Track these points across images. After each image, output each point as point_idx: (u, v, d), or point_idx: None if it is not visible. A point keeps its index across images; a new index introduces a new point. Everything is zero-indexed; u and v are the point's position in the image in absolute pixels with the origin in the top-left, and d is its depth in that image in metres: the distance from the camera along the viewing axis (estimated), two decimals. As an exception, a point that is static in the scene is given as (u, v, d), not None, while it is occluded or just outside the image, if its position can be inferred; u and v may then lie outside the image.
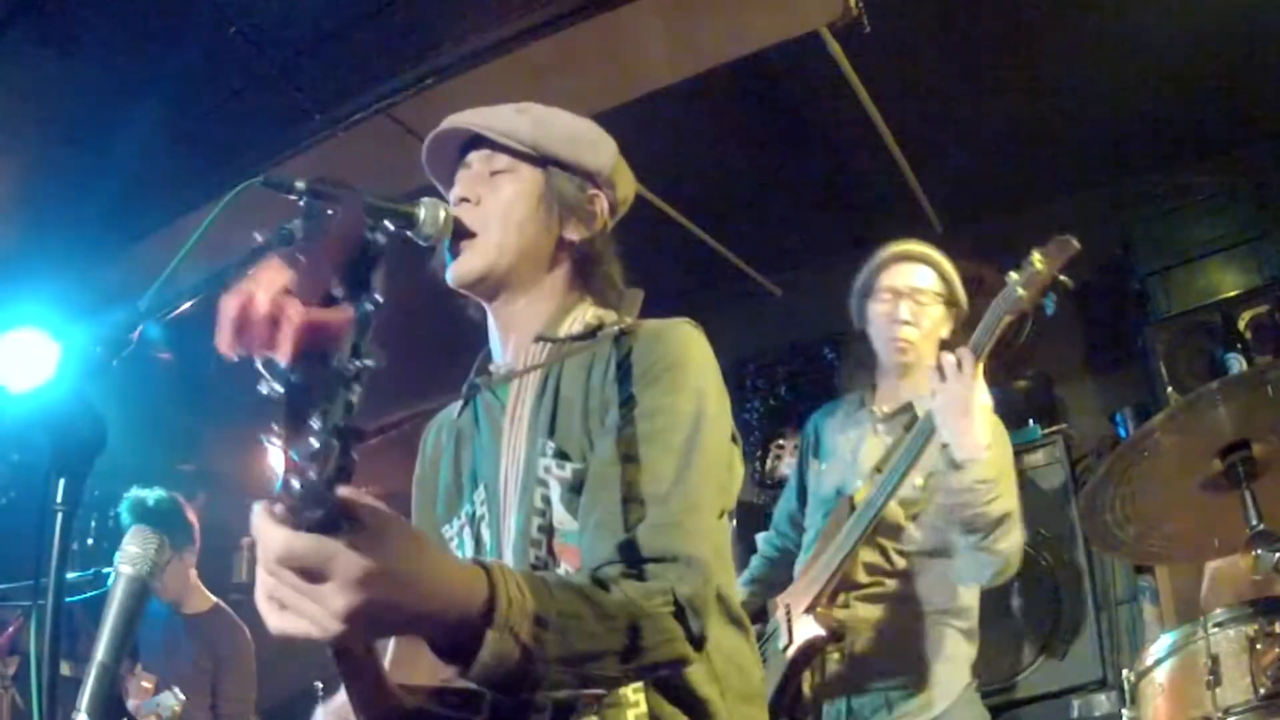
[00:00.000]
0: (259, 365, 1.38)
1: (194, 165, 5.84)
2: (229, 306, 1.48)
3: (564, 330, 2.42)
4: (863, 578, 4.01)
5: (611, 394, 2.21)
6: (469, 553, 2.38)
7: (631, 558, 1.99)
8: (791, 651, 3.92)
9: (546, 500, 2.21)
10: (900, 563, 4.03)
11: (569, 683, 1.77)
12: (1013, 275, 3.80)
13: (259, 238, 2.20)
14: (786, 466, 5.24)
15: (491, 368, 2.57)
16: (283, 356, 1.35)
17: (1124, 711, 3.89)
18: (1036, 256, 3.78)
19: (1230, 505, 3.52)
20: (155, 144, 5.64)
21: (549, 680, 1.73)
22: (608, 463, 2.12)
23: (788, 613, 4.03)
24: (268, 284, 1.45)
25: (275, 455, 1.38)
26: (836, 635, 3.92)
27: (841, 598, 3.98)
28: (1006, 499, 3.72)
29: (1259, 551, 3.40)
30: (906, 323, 4.16)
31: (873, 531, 3.94)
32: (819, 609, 3.94)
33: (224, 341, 1.49)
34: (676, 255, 7.67)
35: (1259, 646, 3.37)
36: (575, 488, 2.18)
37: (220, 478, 8.02)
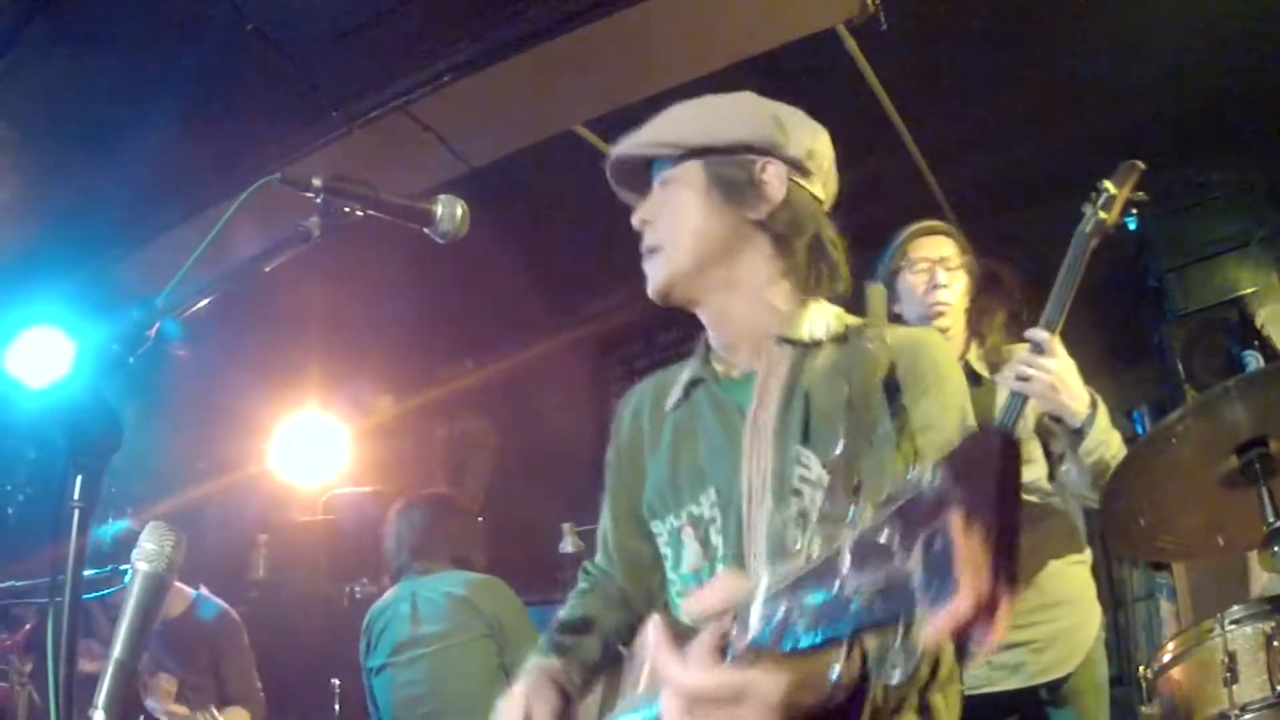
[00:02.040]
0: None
1: (210, 163, 5.85)
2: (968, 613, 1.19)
3: (806, 332, 2.35)
4: None
5: (880, 404, 2.15)
6: (690, 555, 2.34)
7: None
8: None
9: (803, 512, 2.16)
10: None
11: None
12: (1088, 205, 3.96)
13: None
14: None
15: (719, 366, 2.49)
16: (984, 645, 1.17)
17: (1141, 708, 3.89)
18: (1108, 183, 3.98)
19: (1244, 503, 3.52)
20: (171, 141, 5.65)
21: None
22: (887, 474, 2.05)
23: None
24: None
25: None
26: None
27: None
28: (1114, 429, 3.85)
29: (1276, 549, 3.40)
30: (943, 286, 4.27)
31: None
32: None
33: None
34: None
35: (1276, 643, 3.36)
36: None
37: (237, 475, 8.04)
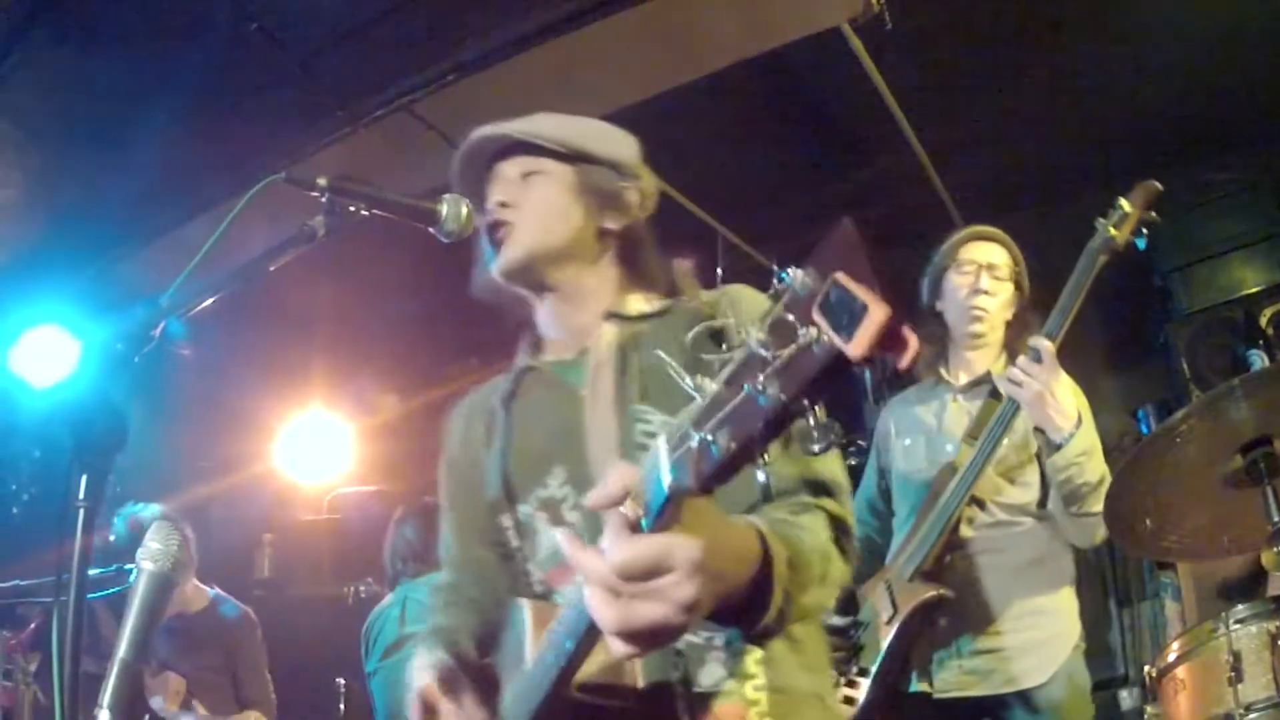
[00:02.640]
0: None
1: (214, 162, 5.85)
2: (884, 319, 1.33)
3: (632, 308, 2.47)
4: (967, 533, 4.13)
5: (712, 349, 2.21)
6: (545, 539, 2.38)
7: (793, 489, 2.14)
8: (899, 620, 3.98)
9: None
10: (1002, 516, 4.16)
11: (789, 616, 1.86)
12: (1101, 221, 4.03)
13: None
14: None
15: (550, 353, 2.58)
16: (903, 360, 1.30)
17: (1146, 708, 3.89)
18: (1124, 201, 4.03)
19: (1249, 502, 3.52)
20: (175, 141, 5.65)
21: (787, 617, 1.85)
22: None
23: (889, 587, 4.11)
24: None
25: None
26: (944, 596, 3.99)
27: (948, 558, 4.08)
28: (1100, 462, 3.89)
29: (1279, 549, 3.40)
30: (985, 292, 4.31)
31: (973, 494, 4.07)
32: (924, 571, 4.01)
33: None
34: (698, 251, 7.65)
35: (1280, 643, 3.36)
36: None
37: (242, 474, 8.03)
